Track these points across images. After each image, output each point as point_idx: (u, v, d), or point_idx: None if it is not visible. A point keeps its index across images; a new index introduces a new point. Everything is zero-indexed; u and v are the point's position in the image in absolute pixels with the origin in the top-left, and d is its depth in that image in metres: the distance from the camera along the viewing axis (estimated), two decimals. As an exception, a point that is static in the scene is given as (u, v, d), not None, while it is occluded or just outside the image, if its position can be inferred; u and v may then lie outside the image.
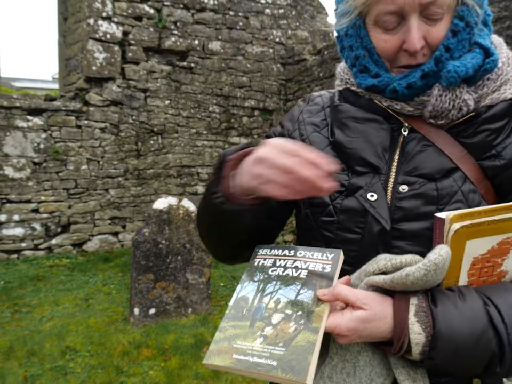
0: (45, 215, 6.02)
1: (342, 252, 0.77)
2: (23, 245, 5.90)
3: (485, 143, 0.79)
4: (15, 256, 5.85)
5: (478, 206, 0.76)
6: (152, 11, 6.53)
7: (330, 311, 0.70)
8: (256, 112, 7.49)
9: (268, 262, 0.78)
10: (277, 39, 7.52)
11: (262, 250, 0.82)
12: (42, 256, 5.94)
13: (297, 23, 7.70)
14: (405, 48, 0.78)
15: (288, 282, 0.73)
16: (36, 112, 5.94)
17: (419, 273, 0.67)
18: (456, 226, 0.69)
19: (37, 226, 5.98)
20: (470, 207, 0.75)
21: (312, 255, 0.77)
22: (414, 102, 0.82)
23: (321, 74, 6.79)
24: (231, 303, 0.73)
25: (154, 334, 3.63)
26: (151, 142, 6.69)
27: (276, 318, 0.69)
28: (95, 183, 6.32)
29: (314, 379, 0.69)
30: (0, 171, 5.73)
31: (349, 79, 0.91)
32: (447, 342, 0.67)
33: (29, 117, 5.88)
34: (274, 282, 0.74)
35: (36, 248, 5.98)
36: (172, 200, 4.07)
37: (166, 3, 6.62)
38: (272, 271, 0.76)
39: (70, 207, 6.18)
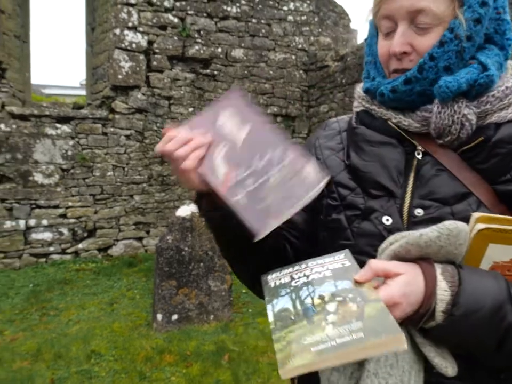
0: (72, 220, 6.19)
1: (348, 250, 0.79)
2: (51, 249, 6.07)
3: (498, 167, 0.80)
4: (43, 260, 6.02)
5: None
6: (176, 20, 6.65)
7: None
8: (279, 119, 7.52)
9: (285, 279, 0.77)
10: (300, 46, 7.54)
11: (271, 275, 0.81)
12: (69, 260, 6.10)
13: (320, 29, 7.71)
14: (390, 52, 0.84)
15: (319, 283, 0.72)
16: (64, 120, 6.12)
17: (432, 234, 0.70)
18: (480, 226, 0.70)
19: (64, 231, 6.15)
20: None
21: (324, 260, 0.78)
22: (418, 117, 0.84)
23: (344, 80, 6.77)
24: (270, 319, 0.70)
25: (177, 340, 3.69)
26: (175, 148, 6.79)
27: (331, 306, 0.66)
28: (120, 189, 6.46)
29: (361, 379, 0.71)
30: (30, 177, 5.92)
31: (365, 96, 0.94)
32: (470, 300, 0.68)
33: (58, 125, 6.06)
34: (305, 288, 0.72)
35: (63, 252, 6.15)
36: (195, 208, 4.12)
37: (189, 12, 6.73)
38: (295, 282, 0.75)
39: (96, 212, 6.33)
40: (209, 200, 0.83)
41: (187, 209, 4.09)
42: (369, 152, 0.88)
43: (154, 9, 6.49)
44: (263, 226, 0.71)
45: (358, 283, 0.70)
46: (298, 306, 0.69)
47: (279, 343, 0.64)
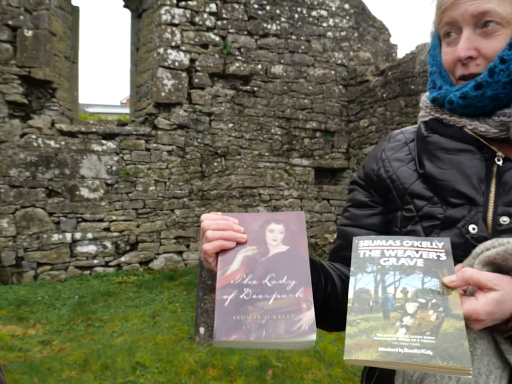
0: (115, 234, 6.34)
1: (449, 239, 0.76)
2: (95, 261, 6.23)
3: None
4: (87, 272, 6.18)
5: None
6: (217, 39, 6.81)
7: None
8: (318, 134, 7.51)
9: (375, 253, 0.75)
10: (339, 61, 7.54)
11: (363, 242, 0.78)
12: (112, 273, 6.23)
13: (359, 45, 7.70)
14: (455, 57, 0.82)
15: (407, 272, 0.70)
16: (110, 136, 6.33)
17: None
18: None
19: (108, 244, 6.31)
20: None
21: (421, 244, 0.75)
22: (495, 122, 0.81)
23: (384, 95, 6.71)
24: (350, 295, 0.70)
25: (220, 354, 3.68)
26: (215, 163, 6.89)
27: (411, 307, 0.66)
28: (162, 203, 6.58)
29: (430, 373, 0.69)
30: (77, 192, 6.13)
31: (434, 106, 0.91)
32: None
33: (103, 141, 6.28)
34: (392, 272, 0.71)
35: (106, 265, 6.30)
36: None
37: (230, 30, 6.88)
38: (384, 261, 0.73)
39: (138, 226, 6.47)
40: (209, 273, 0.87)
41: (230, 223, 4.11)
42: (446, 160, 0.85)
43: (196, 28, 6.68)
44: (223, 335, 0.68)
45: (445, 286, 0.68)
46: (380, 292, 0.69)
47: (351, 327, 0.65)
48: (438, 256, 0.73)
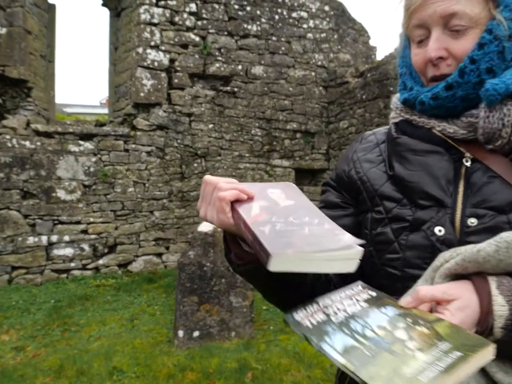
0: (93, 236, 6.23)
1: (359, 282, 0.76)
2: (72, 264, 6.11)
3: None
4: (64, 275, 6.05)
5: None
6: (197, 39, 6.76)
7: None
8: (298, 135, 7.52)
9: (320, 317, 0.69)
10: (319, 63, 7.58)
11: (297, 314, 0.72)
12: (90, 276, 6.12)
13: (339, 46, 7.74)
14: (426, 58, 0.82)
15: (364, 314, 0.68)
16: (87, 137, 6.22)
17: (490, 249, 0.66)
18: None
19: (85, 246, 6.19)
20: None
21: (346, 293, 0.74)
22: (463, 123, 0.81)
23: (364, 96, 6.76)
24: (341, 360, 0.61)
25: (199, 357, 3.63)
26: (195, 164, 6.84)
27: (400, 333, 0.63)
28: (141, 205, 6.49)
29: None
30: (53, 193, 6.00)
31: (403, 107, 0.91)
32: None
33: (81, 142, 6.16)
34: (352, 321, 0.67)
35: (84, 268, 6.18)
36: (217, 223, 4.11)
37: (211, 31, 6.84)
38: (336, 318, 0.68)
39: (116, 228, 6.37)
40: (237, 253, 0.81)
41: (209, 225, 4.07)
42: (415, 162, 0.85)
43: (176, 28, 6.62)
44: (278, 252, 0.64)
45: (405, 308, 0.67)
46: (364, 341, 0.63)
47: (375, 381, 0.57)
48: (370, 295, 0.72)
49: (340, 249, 0.67)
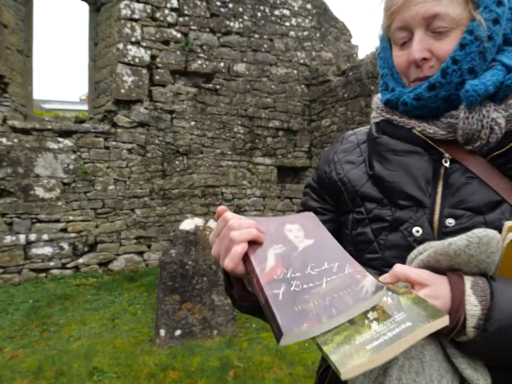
0: (72, 235, 6.13)
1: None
2: (51, 263, 6.00)
3: None
4: (43, 275, 5.95)
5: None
6: (179, 35, 6.70)
7: None
8: (280, 133, 7.53)
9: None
10: (301, 61, 7.59)
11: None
12: (70, 275, 6.02)
13: (321, 45, 7.77)
14: (409, 60, 0.82)
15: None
16: (66, 134, 6.11)
17: (461, 243, 0.67)
18: None
19: (65, 245, 6.09)
20: None
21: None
22: (443, 124, 0.82)
23: (345, 95, 6.80)
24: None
25: (180, 356, 3.61)
26: (177, 162, 6.78)
27: (366, 304, 0.66)
28: (122, 203, 6.42)
29: None
30: (31, 191, 5.88)
31: (384, 107, 0.92)
32: (503, 315, 0.65)
33: (60, 139, 6.05)
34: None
35: (63, 267, 6.08)
36: (198, 221, 4.09)
37: (192, 27, 6.79)
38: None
39: (97, 226, 6.28)
40: (241, 295, 0.79)
41: (191, 223, 4.05)
42: (394, 162, 0.85)
43: (157, 24, 6.55)
44: (293, 327, 0.60)
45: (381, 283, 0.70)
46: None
47: (327, 346, 0.62)
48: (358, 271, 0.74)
49: (361, 302, 0.65)
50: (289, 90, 7.51)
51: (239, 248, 0.67)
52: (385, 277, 0.71)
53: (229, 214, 0.72)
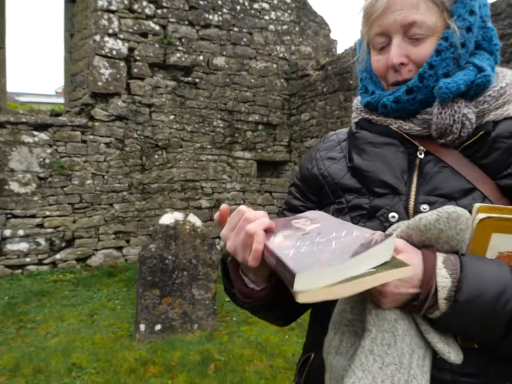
0: (49, 230, 6.03)
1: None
2: (27, 260, 5.89)
3: (499, 162, 0.82)
4: (19, 271, 5.83)
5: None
6: (157, 28, 6.62)
7: None
8: (260, 127, 7.53)
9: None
10: (281, 55, 7.60)
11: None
12: (47, 271, 5.92)
13: (301, 39, 7.79)
14: (388, 64, 0.87)
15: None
16: (42, 127, 5.98)
17: (431, 217, 0.71)
18: (481, 216, 0.71)
19: (42, 241, 5.98)
20: None
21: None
22: (419, 120, 0.87)
23: (324, 89, 6.84)
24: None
25: (161, 350, 3.61)
26: (156, 156, 6.72)
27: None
28: (100, 197, 6.33)
29: (355, 354, 0.71)
30: (6, 186, 5.74)
31: (363, 108, 0.98)
32: (472, 286, 0.69)
33: (35, 132, 5.92)
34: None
35: (40, 263, 5.97)
36: (178, 216, 4.07)
37: (171, 20, 6.71)
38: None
39: (74, 221, 6.19)
40: (244, 291, 0.84)
41: (170, 217, 4.03)
42: (372, 153, 0.91)
43: (135, 16, 6.45)
44: (305, 269, 0.60)
45: None
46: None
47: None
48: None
49: (369, 248, 0.64)
50: (268, 85, 7.51)
51: (260, 246, 0.71)
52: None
53: (244, 207, 0.78)
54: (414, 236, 0.73)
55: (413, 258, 0.71)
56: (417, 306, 0.71)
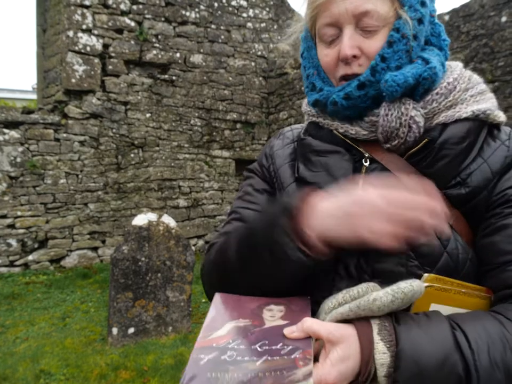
0: (21, 231, 5.87)
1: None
2: (-2, 261, 5.73)
3: (447, 170, 0.78)
4: (-11, 273, 5.67)
5: (449, 237, 0.74)
6: (133, 24, 6.49)
7: None
8: (238, 125, 7.48)
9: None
10: (259, 53, 7.55)
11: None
12: (18, 273, 5.77)
13: (279, 37, 7.75)
14: (339, 57, 0.80)
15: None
16: (13, 125, 5.81)
17: (386, 299, 0.65)
18: (424, 284, 0.68)
19: (13, 242, 5.82)
20: (438, 237, 0.73)
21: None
22: (366, 123, 0.81)
23: (302, 88, 6.82)
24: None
25: (133, 354, 3.53)
26: (132, 155, 6.61)
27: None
28: (74, 197, 6.19)
29: None
30: (-25, 186, 5.57)
31: (310, 110, 0.92)
32: (411, 361, 0.63)
33: (6, 130, 5.75)
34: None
35: (11, 264, 5.81)
36: (152, 216, 3.99)
37: (147, 16, 6.59)
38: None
39: (47, 222, 6.04)
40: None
41: (144, 218, 3.95)
42: (317, 163, 0.85)
43: (110, 12, 6.31)
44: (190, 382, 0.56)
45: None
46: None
47: None
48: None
49: None
50: (246, 83, 7.46)
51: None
52: (292, 330, 0.65)
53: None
54: (363, 315, 0.66)
55: (351, 347, 0.64)
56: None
